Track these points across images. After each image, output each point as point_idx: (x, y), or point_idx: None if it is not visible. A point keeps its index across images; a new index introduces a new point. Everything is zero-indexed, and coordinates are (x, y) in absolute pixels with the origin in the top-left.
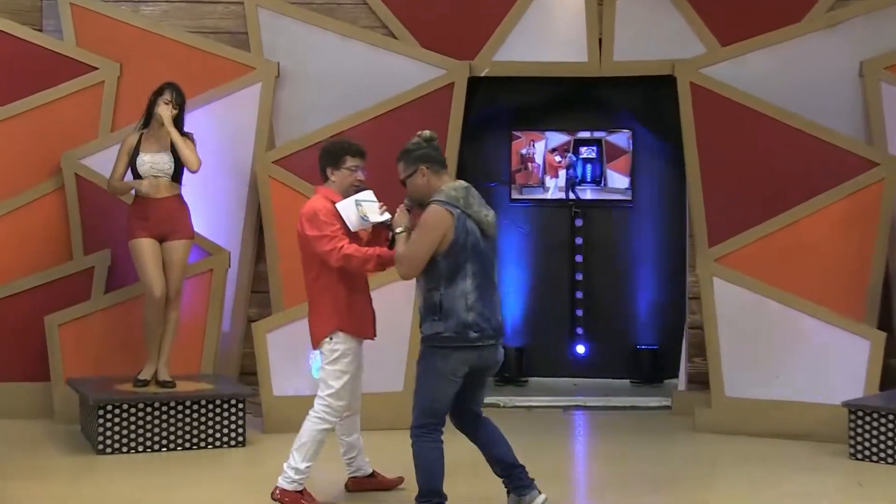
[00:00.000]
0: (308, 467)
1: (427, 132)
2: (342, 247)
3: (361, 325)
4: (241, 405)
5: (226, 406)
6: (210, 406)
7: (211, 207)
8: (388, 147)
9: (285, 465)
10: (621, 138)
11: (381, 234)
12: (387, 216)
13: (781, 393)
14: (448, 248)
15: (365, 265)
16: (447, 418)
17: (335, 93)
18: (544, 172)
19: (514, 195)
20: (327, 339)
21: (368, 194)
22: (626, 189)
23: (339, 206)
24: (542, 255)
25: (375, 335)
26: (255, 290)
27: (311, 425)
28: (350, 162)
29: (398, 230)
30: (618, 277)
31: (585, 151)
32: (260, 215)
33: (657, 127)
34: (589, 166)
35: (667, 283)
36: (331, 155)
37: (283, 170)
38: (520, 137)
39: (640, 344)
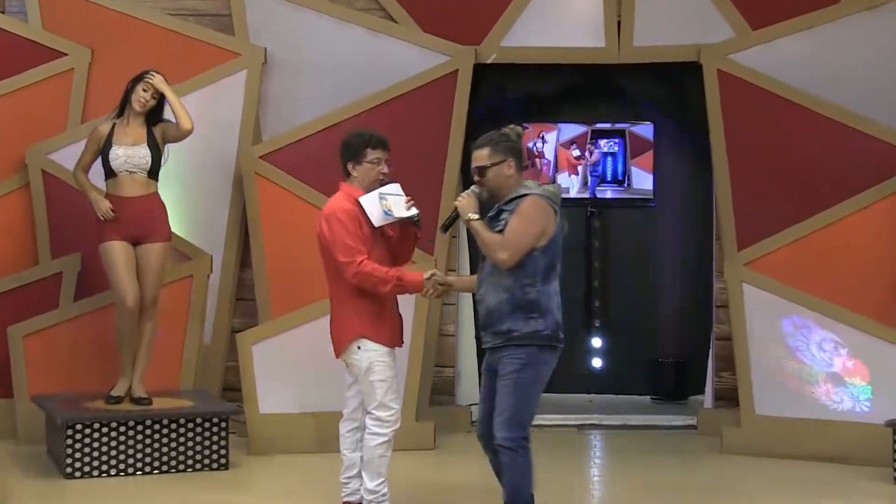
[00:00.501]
0: (380, 484)
1: (519, 128)
2: (361, 262)
3: (388, 332)
4: (223, 424)
5: (207, 425)
6: (190, 425)
7: (191, 207)
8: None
9: (362, 489)
10: (644, 131)
11: (409, 231)
12: (413, 211)
13: (818, 411)
14: (547, 243)
15: (380, 287)
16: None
17: (328, 81)
18: (556, 169)
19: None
20: (354, 349)
21: (394, 187)
22: (650, 188)
23: (362, 199)
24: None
25: (403, 342)
26: (239, 297)
27: (368, 442)
28: (372, 154)
29: (472, 216)
30: (638, 284)
31: (606, 145)
32: (245, 215)
33: (681, 119)
34: (609, 161)
35: (692, 290)
36: (351, 148)
37: (270, 166)
38: (528, 129)
39: (663, 357)
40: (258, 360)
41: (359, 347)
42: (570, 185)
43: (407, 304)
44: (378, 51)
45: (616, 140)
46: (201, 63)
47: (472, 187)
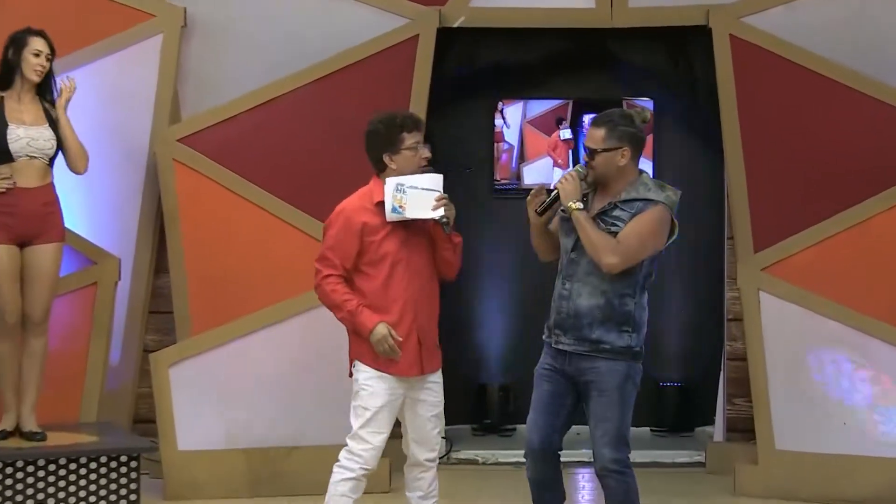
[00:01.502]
0: None
1: (647, 113)
2: (325, 277)
3: (389, 358)
4: (134, 463)
5: (114, 464)
6: (93, 465)
7: (94, 200)
8: (334, 119)
9: None
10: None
11: (439, 235)
12: (439, 212)
13: (851, 445)
14: (655, 254)
15: (335, 312)
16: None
17: (264, 49)
18: (522, 157)
19: (528, 170)
20: (353, 368)
21: (428, 179)
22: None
23: (387, 181)
24: (534, 265)
25: (417, 372)
26: (153, 310)
27: (333, 476)
28: (409, 139)
29: (575, 204)
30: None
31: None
32: (160, 210)
33: (686, 94)
34: None
35: (699, 301)
36: (382, 137)
37: (191, 150)
38: (538, 111)
39: (664, 381)
40: (176, 385)
41: (355, 369)
42: (551, 174)
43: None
44: (323, 12)
45: None
46: (106, 25)
47: (577, 167)
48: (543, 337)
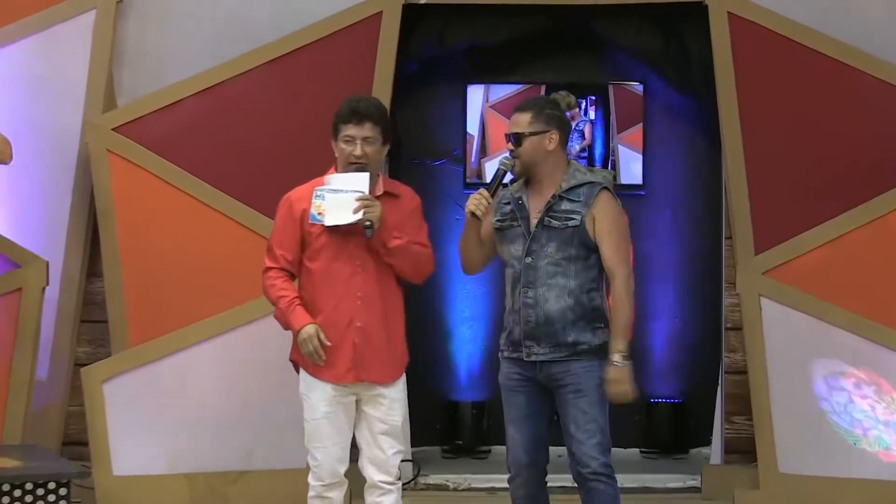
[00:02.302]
0: None
1: (571, 98)
2: (267, 270)
3: (324, 362)
4: (63, 490)
5: (41, 492)
6: (17, 492)
7: (18, 196)
8: (289, 105)
9: None
10: (630, 96)
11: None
12: (359, 215)
13: (859, 468)
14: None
15: (274, 304)
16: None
17: (210, 27)
18: (482, 150)
19: (491, 164)
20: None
21: (349, 179)
22: (638, 172)
23: (324, 179)
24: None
25: (353, 378)
26: (86, 318)
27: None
28: (343, 131)
29: (619, 359)
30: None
31: (581, 113)
32: (93, 208)
33: (679, 79)
34: (580, 134)
35: (694, 308)
36: (333, 122)
37: (128, 140)
38: (500, 96)
39: (655, 397)
40: (111, 403)
41: (300, 376)
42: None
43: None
44: None
45: (589, 101)
46: (31, 0)
47: (502, 160)
48: (505, 353)
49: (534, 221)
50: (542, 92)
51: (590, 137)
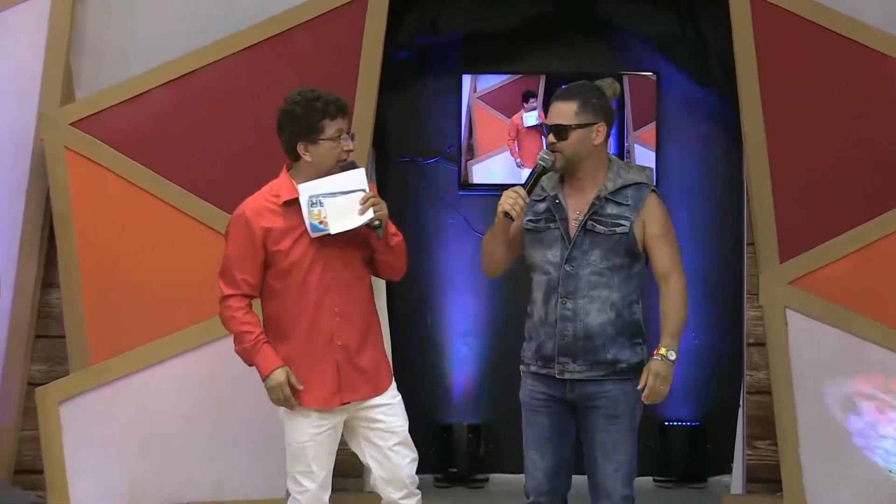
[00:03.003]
0: None
1: (617, 85)
2: (226, 298)
3: (305, 387)
4: None
5: None
6: None
7: None
8: (266, 99)
9: None
10: (641, 88)
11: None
12: (368, 216)
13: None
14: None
15: (235, 343)
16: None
17: (178, 12)
18: (468, 154)
19: (479, 167)
20: None
21: (348, 178)
22: (650, 171)
23: (301, 189)
24: (512, 276)
25: (339, 402)
26: (41, 333)
27: None
28: (331, 127)
29: (673, 356)
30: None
31: None
32: (49, 211)
33: (696, 67)
34: None
35: (712, 321)
36: (298, 121)
37: (88, 137)
38: (489, 85)
39: (671, 419)
40: (69, 426)
41: None
42: (517, 175)
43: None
44: None
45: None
46: None
47: (541, 154)
48: (531, 369)
49: (574, 224)
50: (542, 84)
51: None
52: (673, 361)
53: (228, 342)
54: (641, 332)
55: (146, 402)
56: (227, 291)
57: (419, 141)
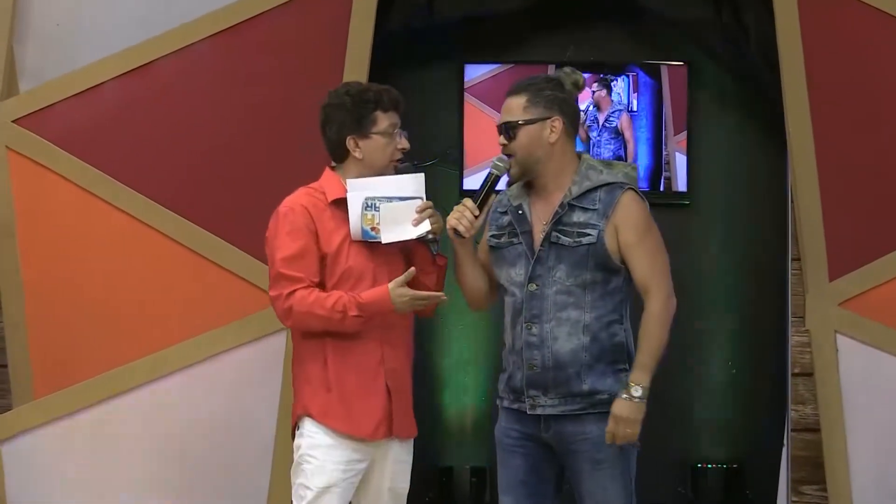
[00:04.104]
0: None
1: (578, 75)
2: (292, 293)
3: (344, 411)
4: None
5: None
6: None
7: None
8: (239, 90)
9: None
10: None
11: (422, 253)
12: (424, 227)
13: None
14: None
15: (334, 325)
16: None
17: None
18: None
19: (469, 181)
20: (297, 432)
21: (407, 182)
22: (682, 178)
23: (349, 185)
24: None
25: (384, 433)
26: None
27: None
28: (384, 121)
29: (639, 392)
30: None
31: (614, 101)
32: None
33: (734, 56)
34: (612, 134)
35: (751, 348)
36: (348, 113)
37: (33, 135)
38: (479, 75)
39: (702, 461)
40: (11, 468)
41: (299, 431)
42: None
43: (272, 373)
44: None
45: (622, 81)
46: None
47: (495, 159)
48: (504, 403)
49: (538, 237)
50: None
51: (631, 138)
52: (639, 398)
53: (196, 372)
54: (626, 357)
55: (99, 441)
56: (289, 288)
57: (415, 141)
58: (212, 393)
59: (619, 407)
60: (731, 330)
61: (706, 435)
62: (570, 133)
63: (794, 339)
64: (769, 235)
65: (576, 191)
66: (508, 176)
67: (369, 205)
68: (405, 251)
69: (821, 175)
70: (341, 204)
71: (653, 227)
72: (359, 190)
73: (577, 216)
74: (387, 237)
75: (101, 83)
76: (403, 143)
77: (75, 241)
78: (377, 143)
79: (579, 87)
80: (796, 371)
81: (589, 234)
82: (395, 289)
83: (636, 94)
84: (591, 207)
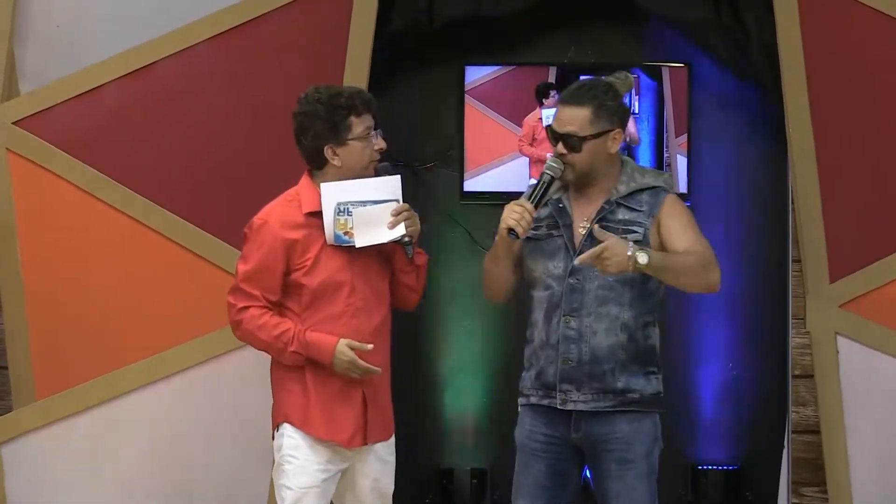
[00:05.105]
0: None
1: (630, 78)
2: (244, 309)
3: (324, 417)
4: None
5: None
6: None
7: None
8: (239, 93)
9: None
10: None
11: (397, 256)
12: (399, 231)
13: None
14: None
15: (273, 353)
16: None
17: None
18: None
19: (470, 184)
20: (276, 433)
21: (381, 185)
22: (682, 178)
23: (323, 189)
24: (520, 299)
25: (360, 441)
26: None
27: None
28: (359, 125)
29: (644, 260)
30: (662, 339)
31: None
32: None
33: (734, 57)
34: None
35: (752, 350)
36: (322, 121)
37: (33, 137)
38: (479, 77)
39: (704, 462)
40: (12, 471)
41: (279, 433)
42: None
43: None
44: None
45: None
46: None
47: (550, 161)
48: (531, 400)
49: (580, 232)
50: (552, 76)
51: (637, 138)
52: (641, 265)
53: (197, 373)
54: (656, 360)
55: (101, 443)
56: (244, 303)
57: (414, 142)
58: (212, 395)
59: (617, 243)
60: (732, 331)
61: (706, 436)
62: (622, 139)
63: (794, 340)
64: (770, 237)
65: (623, 190)
66: (561, 180)
67: (342, 209)
68: (383, 255)
69: (821, 176)
70: (317, 215)
71: (696, 224)
72: (332, 194)
73: (623, 214)
74: (360, 241)
75: (102, 85)
76: (380, 144)
77: (76, 243)
78: (354, 149)
79: (630, 90)
80: (797, 373)
81: (635, 231)
82: (342, 347)
83: (637, 96)
84: (638, 208)
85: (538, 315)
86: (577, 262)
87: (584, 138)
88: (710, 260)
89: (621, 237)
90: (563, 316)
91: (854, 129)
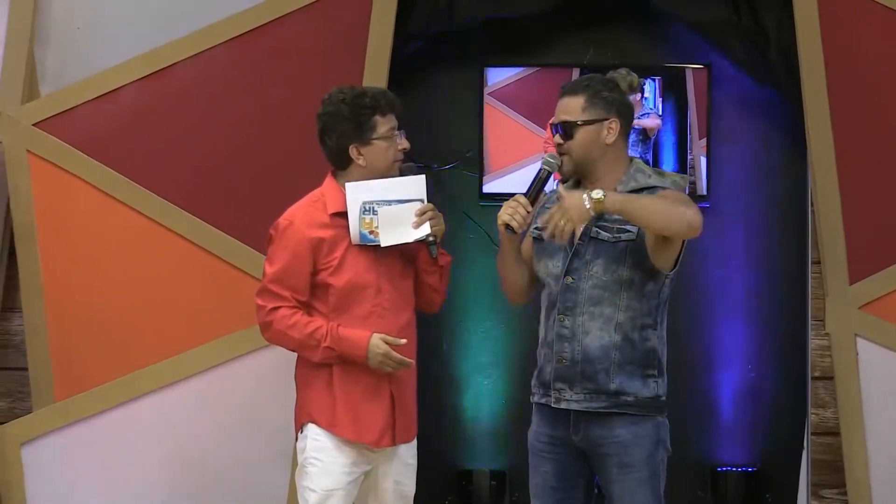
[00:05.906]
0: None
1: (635, 77)
2: (275, 309)
3: (351, 418)
4: None
5: None
6: None
7: None
8: (258, 94)
9: None
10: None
11: (422, 257)
12: (424, 230)
13: None
14: (679, 267)
15: (304, 351)
16: None
17: None
18: (483, 165)
19: (490, 186)
20: (300, 434)
21: (406, 185)
22: (701, 180)
23: (348, 188)
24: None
25: (389, 441)
26: (0, 365)
27: None
28: (383, 125)
29: (598, 195)
30: (679, 342)
31: (644, 104)
32: (9, 224)
33: (753, 60)
34: (637, 136)
35: (771, 351)
36: (347, 121)
37: (53, 139)
38: (503, 79)
39: (723, 464)
40: (32, 471)
41: (303, 433)
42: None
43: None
44: None
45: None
46: None
47: (547, 156)
48: (534, 398)
49: (579, 232)
50: (575, 76)
51: (654, 130)
52: (596, 201)
53: (215, 375)
54: (657, 364)
55: (121, 443)
56: (273, 304)
57: (434, 144)
58: (231, 396)
59: (571, 194)
60: (751, 333)
61: (726, 438)
62: (624, 135)
63: (814, 342)
64: (789, 238)
65: (620, 189)
66: (559, 173)
67: (367, 209)
68: (407, 256)
69: (841, 178)
70: (342, 215)
71: (685, 198)
72: (357, 193)
73: (618, 213)
74: (385, 240)
75: (121, 87)
76: (404, 144)
77: (95, 245)
78: (379, 148)
79: (634, 89)
80: (816, 374)
81: (629, 231)
82: (376, 340)
83: (661, 98)
84: None
85: (542, 314)
86: (545, 236)
87: (577, 124)
88: (679, 197)
89: (615, 236)
90: (558, 315)
91: (874, 130)
